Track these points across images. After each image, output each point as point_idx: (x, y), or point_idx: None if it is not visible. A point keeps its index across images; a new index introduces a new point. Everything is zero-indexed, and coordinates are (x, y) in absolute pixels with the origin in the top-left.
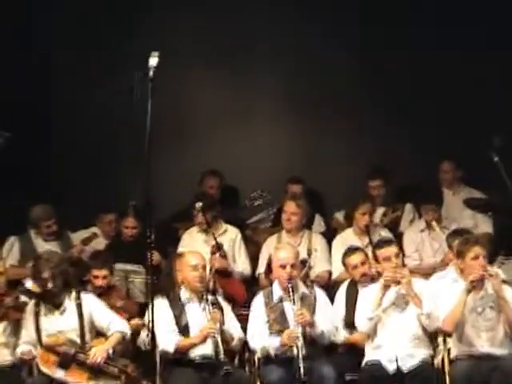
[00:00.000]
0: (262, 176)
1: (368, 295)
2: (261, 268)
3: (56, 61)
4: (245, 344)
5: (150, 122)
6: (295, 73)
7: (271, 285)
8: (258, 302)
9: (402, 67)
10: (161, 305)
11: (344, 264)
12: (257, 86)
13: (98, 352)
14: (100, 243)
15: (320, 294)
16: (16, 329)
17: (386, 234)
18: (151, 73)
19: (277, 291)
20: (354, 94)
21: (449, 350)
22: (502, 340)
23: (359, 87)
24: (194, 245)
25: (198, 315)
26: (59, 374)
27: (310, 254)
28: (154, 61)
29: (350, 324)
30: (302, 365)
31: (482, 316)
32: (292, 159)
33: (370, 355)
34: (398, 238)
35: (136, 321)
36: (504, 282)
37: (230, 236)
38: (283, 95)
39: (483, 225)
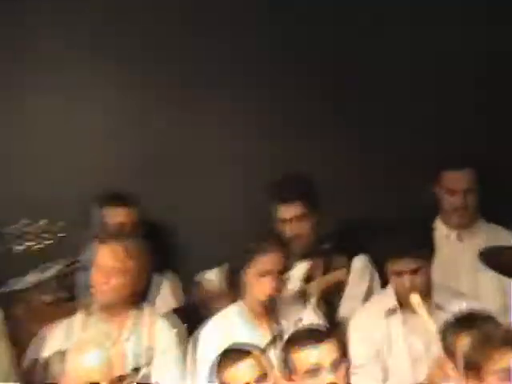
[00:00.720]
0: (45, 193)
1: None
2: None
3: None
4: None
5: None
6: None
7: None
8: None
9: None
10: None
11: (220, 381)
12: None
13: None
14: None
15: None
16: None
17: (312, 317)
18: None
19: None
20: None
21: None
22: None
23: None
24: None
25: None
26: None
27: (150, 356)
28: None
29: None
30: None
31: None
32: (119, 160)
33: None
34: (339, 327)
35: None
36: None
37: None
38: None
39: None
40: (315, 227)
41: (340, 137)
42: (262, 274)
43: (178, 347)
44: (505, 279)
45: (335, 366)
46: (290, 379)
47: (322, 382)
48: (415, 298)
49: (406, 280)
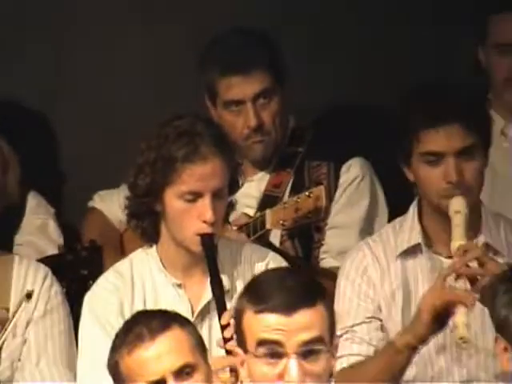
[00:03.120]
0: None
1: None
2: None
3: None
4: None
5: None
6: None
7: None
8: None
9: None
10: None
11: (117, 370)
12: None
13: None
14: None
15: None
16: None
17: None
18: None
19: None
20: None
21: None
22: None
23: None
24: None
25: None
26: None
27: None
28: None
29: None
30: None
31: None
32: None
33: None
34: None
35: None
36: None
37: None
38: None
39: None
40: (285, 115)
41: None
42: (190, 197)
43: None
44: None
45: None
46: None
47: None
48: (458, 205)
49: (449, 166)
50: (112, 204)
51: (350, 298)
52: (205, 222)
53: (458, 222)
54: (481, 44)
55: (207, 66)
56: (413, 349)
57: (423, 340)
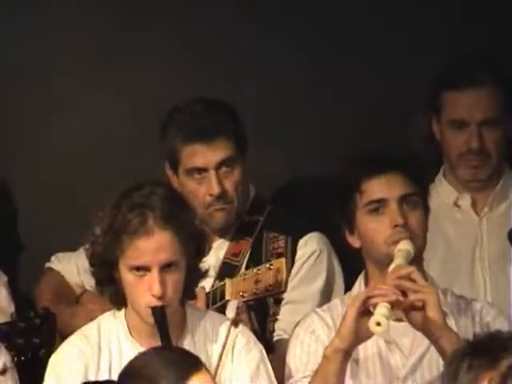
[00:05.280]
0: None
1: None
2: None
3: None
4: None
5: None
6: None
7: None
8: None
9: None
10: None
11: None
12: None
13: None
14: None
15: None
16: None
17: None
18: None
19: None
20: None
21: None
22: None
23: None
24: None
25: None
26: None
27: None
28: None
29: None
30: None
31: None
32: None
33: None
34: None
35: None
36: None
37: None
38: None
39: None
40: (246, 184)
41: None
42: (138, 270)
43: None
44: None
45: None
46: None
47: None
48: (403, 244)
49: (392, 211)
50: (69, 266)
51: (299, 357)
52: (153, 295)
53: (399, 255)
54: (435, 117)
55: (170, 134)
56: (342, 353)
57: (349, 342)
